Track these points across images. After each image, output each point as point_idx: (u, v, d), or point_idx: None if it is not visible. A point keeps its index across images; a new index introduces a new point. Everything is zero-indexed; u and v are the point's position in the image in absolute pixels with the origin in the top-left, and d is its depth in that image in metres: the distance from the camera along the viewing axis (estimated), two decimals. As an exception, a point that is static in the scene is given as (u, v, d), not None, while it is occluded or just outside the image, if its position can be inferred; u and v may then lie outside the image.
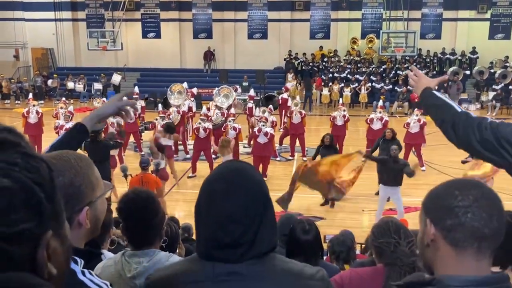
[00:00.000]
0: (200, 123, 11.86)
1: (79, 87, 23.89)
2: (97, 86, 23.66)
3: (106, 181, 1.41)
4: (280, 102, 17.48)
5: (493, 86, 21.95)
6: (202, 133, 11.72)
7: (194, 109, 16.08)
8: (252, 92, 17.43)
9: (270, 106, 14.56)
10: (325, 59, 24.97)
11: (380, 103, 14.48)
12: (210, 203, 1.28)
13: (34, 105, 13.33)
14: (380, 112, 13.24)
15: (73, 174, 1.26)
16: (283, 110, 16.62)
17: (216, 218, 1.26)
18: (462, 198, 1.18)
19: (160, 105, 14.43)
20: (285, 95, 17.68)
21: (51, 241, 0.76)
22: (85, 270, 1.24)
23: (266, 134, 11.50)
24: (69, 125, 11.82)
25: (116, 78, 23.46)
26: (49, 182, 0.77)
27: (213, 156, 12.05)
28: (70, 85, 23.84)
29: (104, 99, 15.76)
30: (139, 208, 2.21)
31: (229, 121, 12.18)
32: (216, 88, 15.82)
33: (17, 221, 0.70)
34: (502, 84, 21.83)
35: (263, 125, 11.68)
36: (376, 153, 10.90)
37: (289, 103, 16.69)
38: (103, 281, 1.30)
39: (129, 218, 2.24)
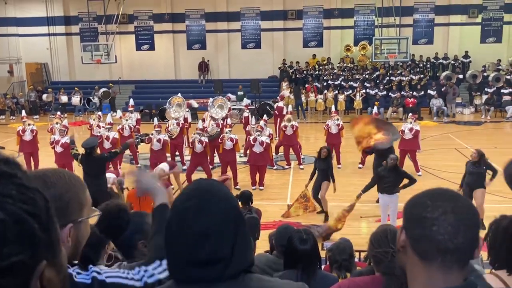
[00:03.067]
0: (196, 137, 11.86)
1: (75, 100, 23.93)
2: (94, 100, 23.74)
3: (94, 208, 1.43)
4: (276, 111, 17.50)
5: (486, 89, 22.08)
6: (198, 147, 11.69)
7: (189, 120, 16.09)
8: (247, 101, 17.46)
9: (265, 116, 14.58)
10: (315, 67, 25.06)
11: (375, 109, 14.51)
12: (182, 221, 1.27)
13: (29, 124, 13.28)
14: None
15: (64, 189, 1.30)
16: (278, 119, 16.65)
17: (189, 236, 1.25)
18: (431, 209, 1.18)
19: (155, 119, 14.42)
20: (280, 104, 17.73)
21: (45, 271, 0.76)
22: (74, 273, 1.30)
23: (262, 143, 11.50)
24: (65, 139, 11.79)
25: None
26: (45, 213, 0.77)
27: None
28: (64, 98, 23.87)
29: (100, 113, 15.73)
30: (108, 223, 2.22)
31: (226, 132, 12.17)
32: (211, 99, 15.84)
33: (10, 254, 0.70)
34: (494, 88, 21.97)
35: (259, 135, 11.69)
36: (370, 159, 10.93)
37: (285, 111, 16.73)
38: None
39: (103, 232, 2.26)
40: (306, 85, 23.29)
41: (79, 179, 1.40)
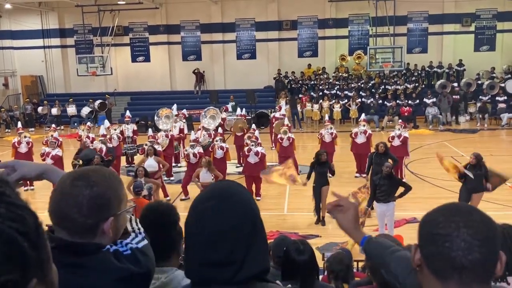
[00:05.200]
0: (189, 150, 11.87)
1: (71, 110, 23.99)
2: (85, 110, 23.86)
3: (130, 201, 1.53)
4: (274, 121, 17.47)
5: (480, 97, 22.20)
6: (193, 159, 11.70)
7: (185, 131, 16.08)
8: (242, 111, 17.42)
9: (254, 125, 14.61)
10: (311, 76, 25.16)
11: (363, 116, 14.49)
12: (199, 222, 1.29)
13: (25, 136, 13.24)
14: (363, 126, 13.30)
15: (106, 187, 1.42)
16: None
17: (206, 236, 1.27)
18: (443, 225, 1.13)
19: (150, 130, 14.43)
20: (277, 114, 17.66)
21: None
22: (117, 247, 1.44)
23: (257, 153, 11.41)
24: (55, 151, 11.78)
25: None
26: (34, 230, 0.77)
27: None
28: (54, 111, 23.98)
29: (89, 123, 15.77)
30: (160, 217, 2.25)
31: (216, 141, 12.16)
32: (204, 110, 15.93)
33: (0, 273, 0.70)
34: (489, 95, 22.08)
35: (253, 145, 11.64)
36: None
37: (285, 122, 16.71)
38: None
39: (150, 227, 2.26)
40: (301, 96, 23.35)
41: (117, 176, 1.52)
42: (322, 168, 9.68)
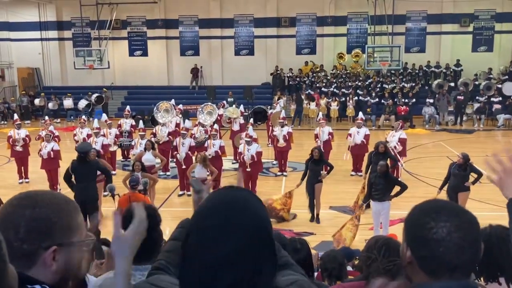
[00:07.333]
0: (180, 139, 11.84)
1: (67, 102, 23.91)
2: (82, 102, 23.77)
3: (90, 233, 1.37)
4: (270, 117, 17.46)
5: (477, 98, 22.25)
6: (181, 156, 11.65)
7: (182, 125, 16.04)
8: (241, 108, 17.39)
9: (251, 120, 14.59)
10: (309, 74, 25.13)
11: (360, 115, 14.45)
12: (201, 243, 1.11)
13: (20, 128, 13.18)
14: (365, 126, 13.33)
15: (52, 210, 1.25)
16: (271, 124, 16.60)
17: (209, 261, 1.09)
18: (436, 230, 1.22)
19: (140, 122, 14.38)
20: (274, 111, 17.59)
21: None
22: None
23: (252, 158, 11.21)
24: (52, 145, 11.71)
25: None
26: None
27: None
28: (50, 105, 23.92)
29: (84, 116, 15.74)
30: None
31: (212, 137, 12.11)
32: (201, 106, 15.90)
33: None
34: (486, 96, 22.12)
35: (249, 149, 11.30)
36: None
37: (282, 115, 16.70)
38: None
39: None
40: (311, 92, 23.18)
41: (73, 202, 1.35)
42: (316, 165, 9.68)
